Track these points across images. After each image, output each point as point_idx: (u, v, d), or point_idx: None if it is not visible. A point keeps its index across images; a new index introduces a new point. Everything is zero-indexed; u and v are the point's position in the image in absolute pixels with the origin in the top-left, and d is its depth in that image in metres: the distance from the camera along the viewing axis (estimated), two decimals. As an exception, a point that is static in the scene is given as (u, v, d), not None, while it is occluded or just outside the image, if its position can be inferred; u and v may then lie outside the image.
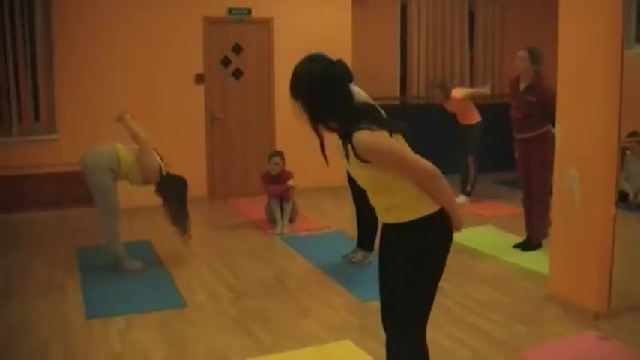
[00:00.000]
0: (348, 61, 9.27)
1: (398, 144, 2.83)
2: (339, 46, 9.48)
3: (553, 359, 4.11)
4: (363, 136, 2.72)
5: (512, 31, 11.42)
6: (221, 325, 4.80)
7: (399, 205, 2.89)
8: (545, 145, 5.96)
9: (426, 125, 8.46)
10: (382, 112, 2.96)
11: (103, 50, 8.44)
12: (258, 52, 9.39)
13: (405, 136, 2.91)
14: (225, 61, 9.25)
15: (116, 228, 5.98)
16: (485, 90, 8.77)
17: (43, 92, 8.30)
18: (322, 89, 2.81)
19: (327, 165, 3.06)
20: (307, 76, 2.83)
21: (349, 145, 2.78)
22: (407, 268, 2.94)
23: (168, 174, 6.07)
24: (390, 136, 2.79)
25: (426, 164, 2.85)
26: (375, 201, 3.03)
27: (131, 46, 8.58)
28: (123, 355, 4.26)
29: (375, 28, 10.53)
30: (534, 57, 6.21)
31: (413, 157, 2.85)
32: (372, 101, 5.92)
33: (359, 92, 5.02)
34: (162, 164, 6.03)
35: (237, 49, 9.28)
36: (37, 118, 8.38)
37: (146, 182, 6.02)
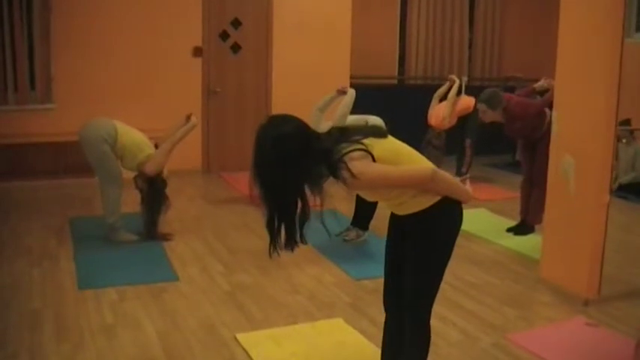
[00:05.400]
0: (347, 38, 9.40)
1: (378, 165, 2.71)
2: (337, 22, 9.45)
3: (541, 343, 4.13)
4: (346, 176, 2.63)
5: (513, 13, 11.39)
6: (213, 298, 4.80)
7: (406, 202, 2.91)
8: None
9: (423, 105, 8.44)
10: (359, 123, 2.94)
11: (102, 21, 8.38)
12: (256, 27, 9.32)
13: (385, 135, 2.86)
14: (224, 35, 9.19)
15: (116, 197, 5.93)
16: (454, 88, 8.30)
17: (38, 61, 8.21)
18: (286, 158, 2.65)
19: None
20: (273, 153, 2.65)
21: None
22: (422, 252, 2.96)
23: (164, 180, 6.04)
24: (373, 158, 2.70)
25: (415, 172, 2.81)
26: (383, 204, 3.08)
27: (130, 17, 8.52)
28: (114, 327, 4.26)
29: (375, 6, 10.46)
30: (492, 103, 6.29)
31: (398, 173, 2.76)
32: (344, 115, 5.91)
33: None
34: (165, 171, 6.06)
35: (235, 23, 9.21)
36: (32, 87, 8.30)
37: (140, 171, 5.93)
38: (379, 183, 2.77)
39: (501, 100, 6.26)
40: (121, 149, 5.85)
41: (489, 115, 6.35)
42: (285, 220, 2.76)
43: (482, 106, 6.34)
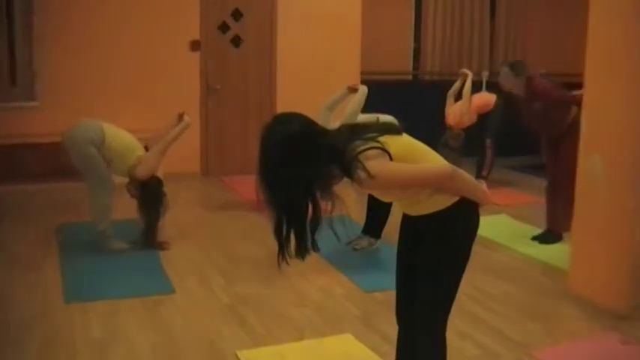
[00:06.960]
0: (357, 30, 9.40)
1: (396, 164, 2.71)
2: (347, 13, 9.44)
3: (569, 361, 4.10)
4: (362, 176, 2.64)
5: (538, 2, 11.35)
6: (212, 312, 4.80)
7: (423, 201, 2.90)
8: (577, 132, 5.97)
9: (440, 102, 8.42)
10: (370, 120, 2.94)
11: (90, 11, 8.38)
12: (259, 18, 9.32)
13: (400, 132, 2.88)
14: (224, 27, 9.20)
15: (107, 202, 5.92)
16: (468, 83, 8.32)
17: (20, 55, 8.14)
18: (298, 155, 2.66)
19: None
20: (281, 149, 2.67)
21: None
22: (437, 257, 2.95)
23: (159, 180, 6.03)
24: (390, 156, 2.70)
25: (434, 170, 2.83)
26: (397, 204, 3.09)
27: (121, 8, 8.52)
28: (104, 342, 4.25)
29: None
30: (516, 68, 6.34)
31: (417, 171, 2.79)
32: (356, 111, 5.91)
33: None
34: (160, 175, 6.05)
35: (236, 14, 9.21)
36: (13, 83, 8.24)
37: (131, 175, 5.92)
38: (397, 183, 2.78)
39: (526, 69, 6.33)
40: (109, 151, 5.83)
41: (511, 82, 6.36)
42: (295, 226, 2.75)
43: (505, 69, 6.39)
